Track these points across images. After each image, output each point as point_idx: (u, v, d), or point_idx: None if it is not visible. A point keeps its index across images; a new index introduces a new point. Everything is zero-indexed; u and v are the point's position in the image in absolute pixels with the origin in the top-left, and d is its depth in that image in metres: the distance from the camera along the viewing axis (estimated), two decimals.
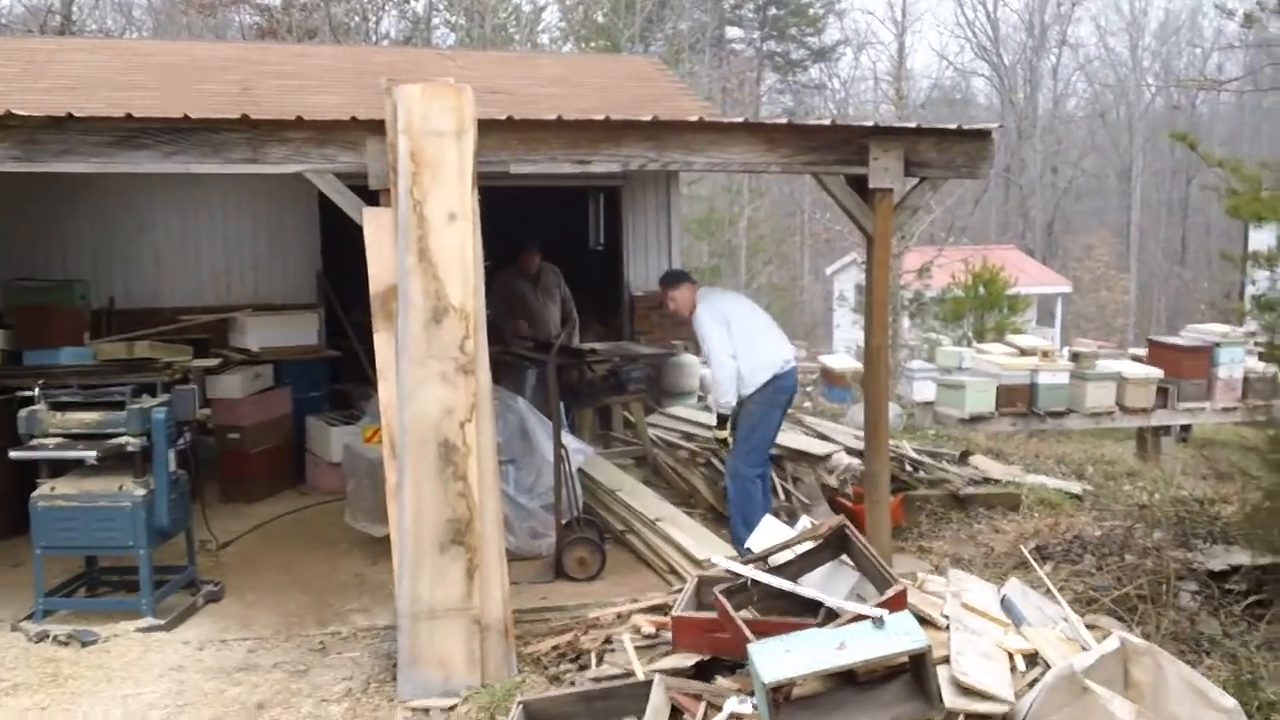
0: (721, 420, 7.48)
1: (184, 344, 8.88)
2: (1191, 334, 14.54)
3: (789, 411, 8.06)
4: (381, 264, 5.50)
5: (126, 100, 8.74)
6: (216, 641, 6.11)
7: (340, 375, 10.63)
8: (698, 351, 11.85)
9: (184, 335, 9.51)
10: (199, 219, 10.58)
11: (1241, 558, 6.21)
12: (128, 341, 8.33)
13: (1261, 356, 13.24)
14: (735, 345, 7.26)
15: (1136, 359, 14.73)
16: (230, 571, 7.19)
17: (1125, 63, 49.56)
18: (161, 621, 6.25)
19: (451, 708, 5.12)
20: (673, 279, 7.74)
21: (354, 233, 5.64)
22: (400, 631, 5.36)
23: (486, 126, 5.62)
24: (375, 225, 5.52)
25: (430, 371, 5.38)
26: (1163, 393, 13.48)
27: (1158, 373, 13.55)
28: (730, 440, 7.46)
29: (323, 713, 5.20)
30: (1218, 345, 13.71)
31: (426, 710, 5.13)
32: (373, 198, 5.60)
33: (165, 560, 6.71)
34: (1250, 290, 7.38)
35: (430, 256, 5.39)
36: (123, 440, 6.26)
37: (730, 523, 7.45)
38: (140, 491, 6.29)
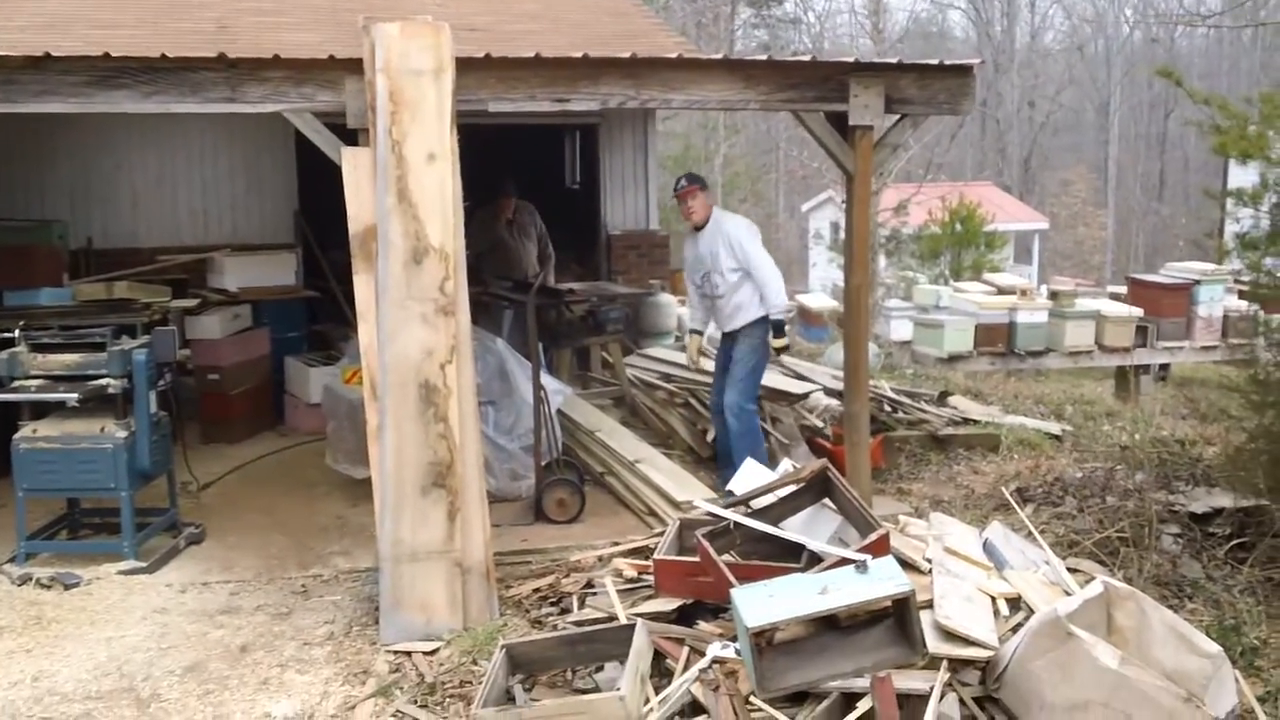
0: (779, 329, 7.44)
1: (162, 284, 8.81)
2: (1171, 272, 14.60)
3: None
4: (360, 204, 5.43)
5: (103, 39, 8.59)
6: (199, 584, 6.10)
7: (318, 316, 10.55)
8: (675, 291, 11.84)
9: (162, 275, 9.42)
10: (176, 158, 10.45)
11: (1224, 500, 6.22)
12: (107, 282, 8.26)
13: (1242, 295, 13.29)
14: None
15: (1115, 297, 14.79)
16: (211, 513, 7.17)
17: None
18: (144, 564, 6.23)
19: (434, 651, 5.12)
20: (695, 180, 7.58)
21: (332, 172, 5.56)
22: (382, 574, 5.35)
23: (465, 65, 5.54)
24: (354, 165, 5.44)
25: (411, 313, 5.33)
26: (1142, 331, 13.54)
27: (1137, 311, 13.61)
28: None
29: (305, 655, 5.19)
30: (1198, 283, 13.78)
31: (409, 654, 5.12)
32: (351, 137, 5.52)
33: (147, 502, 6.70)
34: (1232, 228, 7.37)
35: (410, 197, 5.32)
36: (104, 382, 6.22)
37: (733, 458, 7.25)
38: (122, 433, 6.25)
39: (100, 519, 6.66)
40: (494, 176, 10.13)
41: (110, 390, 6.23)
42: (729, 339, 7.58)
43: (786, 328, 7.34)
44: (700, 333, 8.04)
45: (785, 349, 7.63)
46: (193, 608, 5.78)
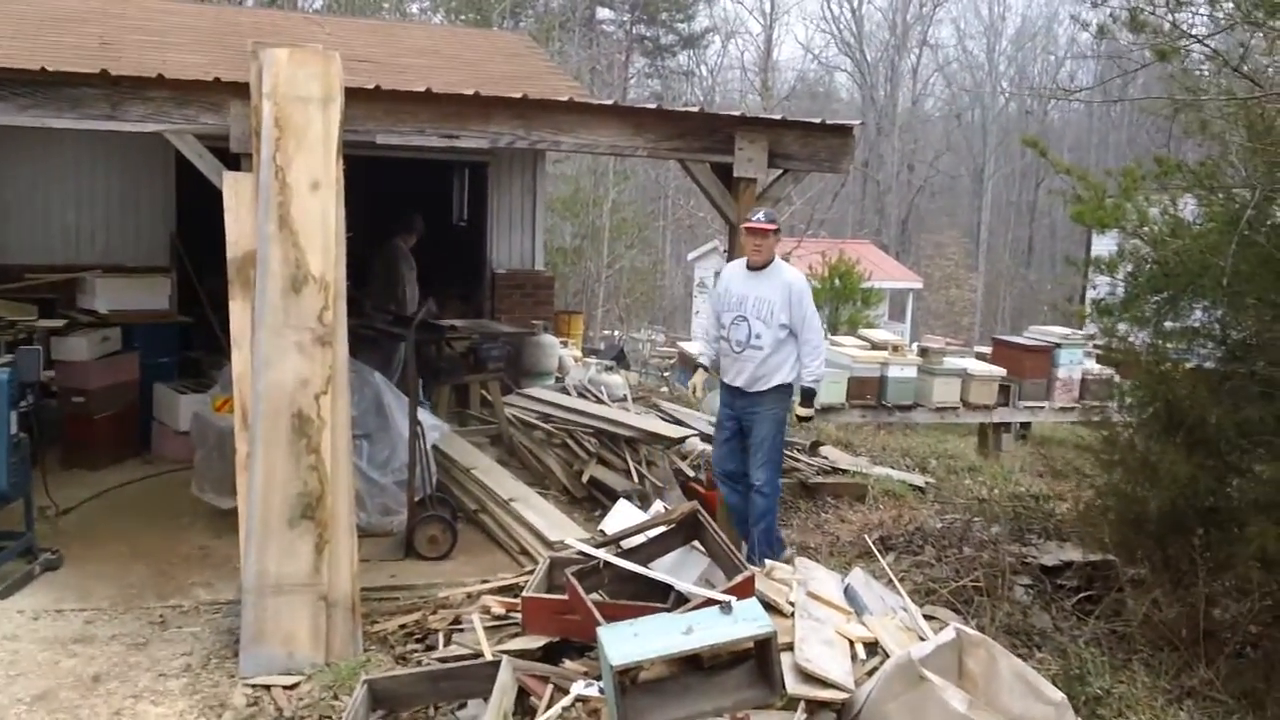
0: (809, 398, 6.78)
1: (29, 302, 8.56)
2: (1034, 334, 15.09)
3: (643, 396, 7.96)
4: (240, 230, 5.39)
5: None
6: (52, 611, 5.92)
7: (191, 342, 10.35)
8: (558, 332, 11.89)
9: (30, 294, 9.15)
10: (50, 174, 10.13)
11: (1073, 554, 6.48)
12: None
13: (1099, 359, 13.79)
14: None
15: (981, 357, 15.22)
16: (70, 540, 6.95)
17: (982, 66, 51.05)
18: None
19: (294, 685, 5.05)
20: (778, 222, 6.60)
21: (211, 196, 5.51)
22: (244, 606, 5.26)
23: (354, 95, 5.56)
24: (235, 190, 5.41)
25: (287, 341, 5.29)
26: (1005, 390, 13.97)
27: (1001, 371, 14.03)
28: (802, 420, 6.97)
29: (160, 687, 5.08)
30: (1058, 346, 14.26)
31: (268, 688, 5.04)
32: (234, 161, 5.49)
33: (2, 526, 6.49)
34: (1091, 294, 7.67)
35: (291, 224, 5.30)
36: None
37: (749, 540, 6.77)
38: None
39: None
40: (383, 209, 10.12)
41: None
42: (743, 398, 6.69)
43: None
44: (707, 369, 7.18)
45: (810, 419, 7.05)
46: (45, 635, 5.61)
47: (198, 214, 8.43)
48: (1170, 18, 5.78)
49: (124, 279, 9.71)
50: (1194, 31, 5.94)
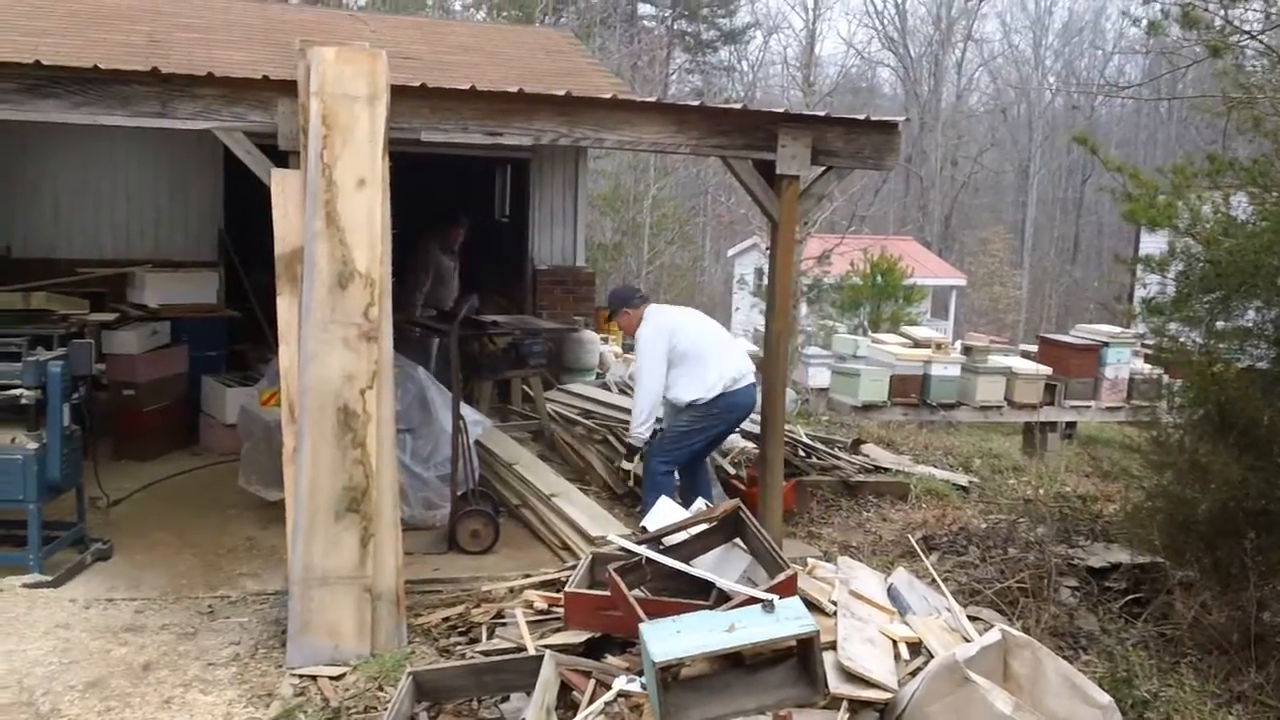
0: (631, 451, 7.49)
1: (81, 297, 8.65)
2: (1081, 333, 14.94)
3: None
4: (288, 226, 5.44)
5: (33, 46, 8.48)
6: (104, 600, 6.00)
7: (239, 336, 10.45)
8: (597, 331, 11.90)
9: (81, 288, 9.24)
10: (102, 170, 10.28)
11: (1121, 556, 6.41)
12: (24, 292, 8.09)
13: (1148, 359, 13.65)
14: (678, 362, 7.20)
15: (1026, 355, 15.09)
16: (120, 530, 7.05)
17: (1028, 61, 50.61)
18: (49, 578, 6.13)
19: (339, 676, 5.09)
20: (616, 301, 7.64)
21: (259, 192, 5.56)
22: (291, 598, 5.31)
23: (399, 93, 5.59)
24: (283, 187, 5.45)
25: (333, 337, 5.34)
26: (1050, 389, 13.85)
27: (1046, 370, 13.91)
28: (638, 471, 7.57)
29: (209, 676, 5.14)
30: (1106, 345, 14.10)
31: (314, 678, 5.09)
32: (281, 158, 5.53)
33: (55, 516, 6.57)
34: (1140, 293, 7.59)
35: (338, 221, 5.34)
36: (17, 393, 6.12)
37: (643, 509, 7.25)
38: (33, 445, 6.15)
39: (6, 530, 6.51)
40: (425, 205, 10.16)
41: (23, 401, 6.13)
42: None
43: (639, 452, 7.53)
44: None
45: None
46: (97, 624, 5.69)
47: (246, 210, 8.51)
48: (1223, 13, 5.72)
49: (173, 274, 9.82)
50: (1247, 27, 5.87)
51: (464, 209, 10.56)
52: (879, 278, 22.11)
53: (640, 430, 7.27)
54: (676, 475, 7.40)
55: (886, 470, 9.30)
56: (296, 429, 5.35)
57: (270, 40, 10.62)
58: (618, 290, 7.98)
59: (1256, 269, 5.48)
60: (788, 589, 4.59)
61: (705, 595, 4.78)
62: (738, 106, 6.62)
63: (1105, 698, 4.08)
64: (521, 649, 4.80)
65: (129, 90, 5.37)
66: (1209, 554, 5.75)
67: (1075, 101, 43.74)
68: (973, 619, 5.05)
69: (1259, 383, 5.73)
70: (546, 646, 4.67)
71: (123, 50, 9.50)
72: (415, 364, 7.88)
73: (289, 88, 5.44)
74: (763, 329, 7.01)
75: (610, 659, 4.63)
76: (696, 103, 6.48)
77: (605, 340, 12.10)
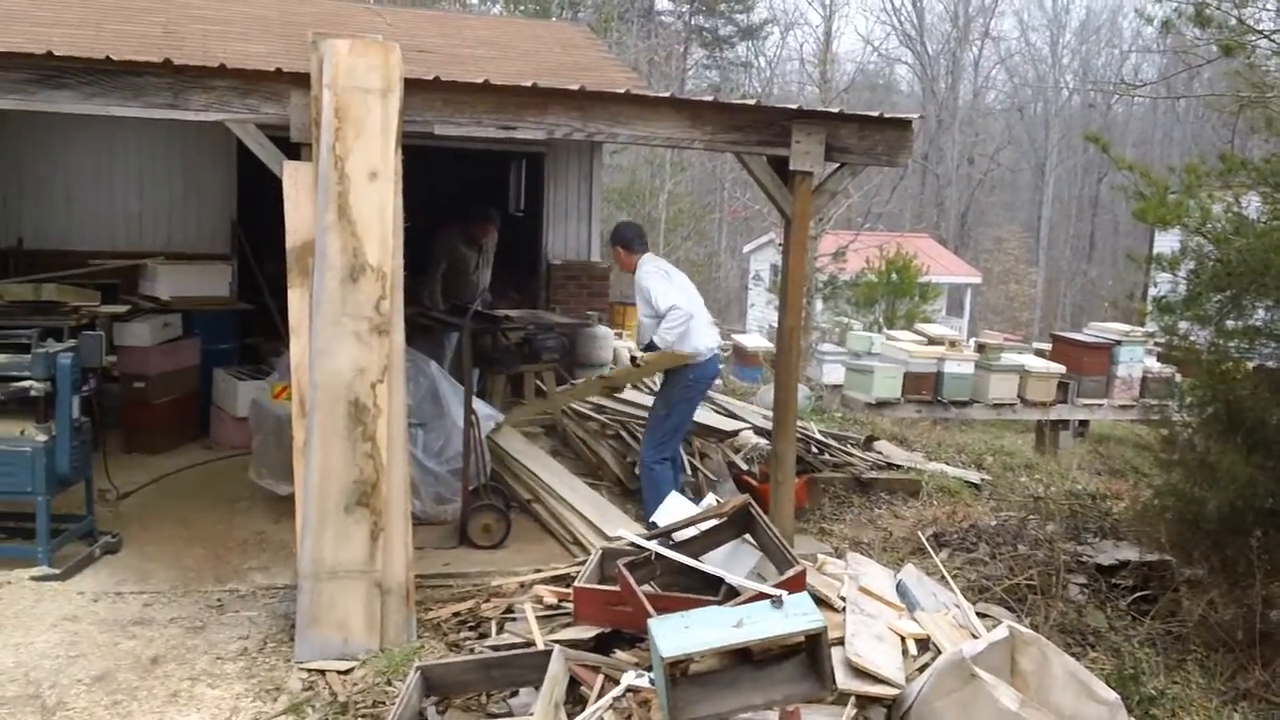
0: (650, 346, 7.30)
1: (93, 288, 8.68)
2: (1094, 331, 14.90)
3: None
4: (299, 219, 5.44)
5: (47, 36, 8.51)
6: (112, 594, 6.02)
7: (251, 329, 10.46)
8: (612, 323, 11.90)
9: (93, 280, 9.28)
10: (114, 162, 10.27)
11: (1130, 554, 6.40)
12: (35, 283, 8.13)
13: (1160, 357, 13.61)
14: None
15: (1040, 353, 15.06)
16: (129, 523, 7.08)
17: (1045, 59, 50.40)
18: (57, 571, 6.15)
19: (348, 670, 5.10)
20: (619, 238, 7.61)
21: (271, 185, 5.57)
22: (300, 592, 5.32)
23: (412, 86, 5.59)
24: (295, 179, 5.46)
25: (344, 330, 5.34)
26: (1063, 387, 13.82)
27: (1059, 367, 13.88)
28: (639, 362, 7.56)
29: (218, 670, 5.15)
30: (1118, 343, 14.07)
31: (323, 672, 5.10)
32: (294, 151, 5.53)
33: (64, 508, 6.59)
34: (1153, 292, 7.57)
35: (350, 214, 5.34)
36: (26, 384, 6.13)
37: (643, 506, 7.39)
38: (42, 437, 6.17)
39: (14, 523, 6.54)
40: (440, 198, 10.15)
41: (33, 393, 6.14)
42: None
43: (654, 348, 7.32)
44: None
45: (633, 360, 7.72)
46: (105, 617, 5.71)
47: (259, 202, 8.53)
48: (1236, 13, 5.69)
49: (185, 266, 9.83)
50: (1260, 26, 5.84)
51: (495, 205, 10.52)
52: (894, 275, 22.03)
53: (673, 336, 7.13)
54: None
55: (899, 467, 9.27)
56: (307, 422, 5.35)
57: (286, 33, 10.62)
58: (628, 226, 7.92)
59: (1267, 268, 5.46)
60: (797, 585, 4.59)
61: (714, 591, 4.78)
62: (752, 103, 6.61)
63: (1112, 695, 4.07)
64: (531, 644, 4.80)
65: (141, 81, 5.39)
66: (1217, 552, 5.75)
67: (1092, 100, 43.56)
68: (981, 615, 5.04)
69: (1268, 382, 5.71)
70: (556, 641, 4.68)
71: (136, 41, 9.50)
72: (428, 358, 7.88)
73: (302, 80, 5.45)
74: (776, 325, 6.99)
75: (619, 654, 4.63)
76: (710, 98, 6.46)
77: (619, 335, 12.10)
